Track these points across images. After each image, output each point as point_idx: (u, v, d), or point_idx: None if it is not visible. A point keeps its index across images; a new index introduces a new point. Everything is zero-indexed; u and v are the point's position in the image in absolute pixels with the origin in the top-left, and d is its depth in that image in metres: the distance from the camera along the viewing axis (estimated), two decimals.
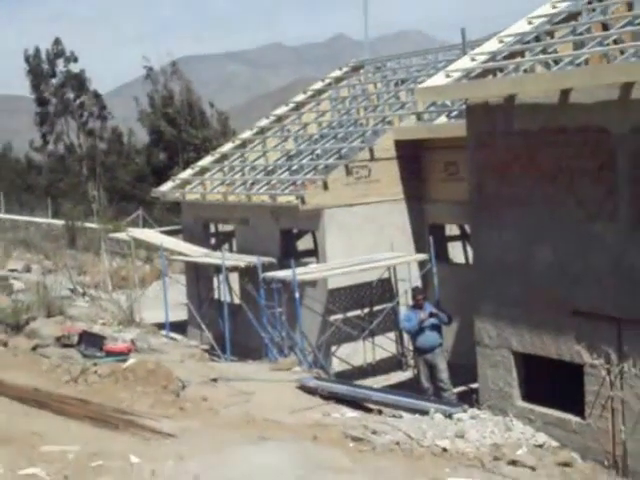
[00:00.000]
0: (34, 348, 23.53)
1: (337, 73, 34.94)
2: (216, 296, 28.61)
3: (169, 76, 56.51)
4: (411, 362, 24.74)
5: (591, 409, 18.68)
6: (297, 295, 24.52)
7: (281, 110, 33.63)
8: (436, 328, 23.12)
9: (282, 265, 25.76)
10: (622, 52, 18.85)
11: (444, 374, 22.84)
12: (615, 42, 19.59)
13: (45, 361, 22.17)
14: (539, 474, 16.94)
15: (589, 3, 21.69)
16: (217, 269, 28.21)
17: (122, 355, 23.82)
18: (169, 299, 31.17)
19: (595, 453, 18.50)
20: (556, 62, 20.02)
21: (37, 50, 62.70)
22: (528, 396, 20.14)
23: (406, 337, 24.62)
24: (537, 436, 19.21)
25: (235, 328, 26.80)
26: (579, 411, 18.99)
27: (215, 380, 22.48)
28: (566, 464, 18.09)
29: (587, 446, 18.65)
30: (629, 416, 18.02)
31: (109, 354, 23.83)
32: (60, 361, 22.35)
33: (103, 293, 36.05)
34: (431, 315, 22.95)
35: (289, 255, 27.42)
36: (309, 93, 34.09)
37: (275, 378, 23.13)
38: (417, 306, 23.45)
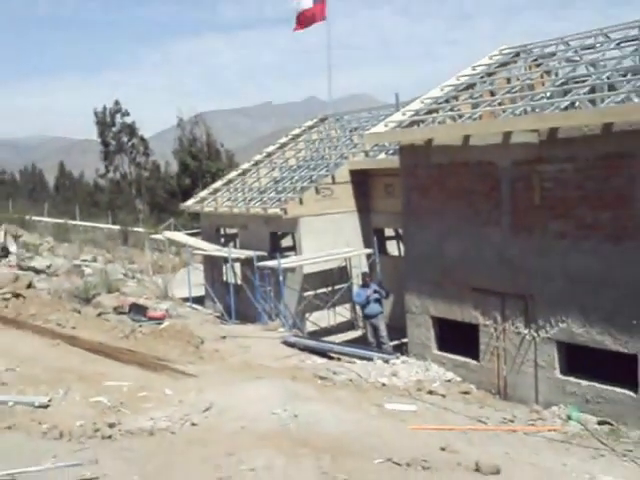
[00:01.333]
0: (99, 315, 23.65)
1: (309, 123, 35.02)
2: (224, 279, 28.80)
3: (193, 125, 57.02)
4: (361, 324, 24.97)
5: (483, 355, 18.99)
6: (281, 278, 24.76)
7: (270, 149, 33.76)
8: (378, 301, 23.24)
9: (271, 257, 25.92)
10: (504, 111, 19.22)
11: (384, 333, 23.08)
12: (499, 104, 19.93)
13: (106, 324, 22.30)
14: (447, 399, 17.31)
15: (481, 77, 22.11)
16: (225, 260, 28.36)
17: (159, 320, 24.29)
18: (192, 281, 31.43)
19: (486, 385, 18.83)
20: (460, 117, 20.32)
21: (104, 108, 63.57)
22: (441, 347, 20.42)
23: (357, 307, 24.81)
24: (447, 374, 19.57)
25: (238, 301, 27.00)
26: (475, 356, 19.31)
27: (224, 337, 22.88)
28: (466, 392, 18.43)
29: (480, 380, 18.99)
30: (508, 359, 18.33)
31: (150, 319, 24.27)
32: (117, 324, 22.59)
33: (146, 277, 36.21)
34: (374, 292, 23.33)
35: (276, 250, 27.63)
36: (290, 137, 34.18)
37: (266, 336, 23.45)
38: (365, 285, 23.61)
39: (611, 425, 15.88)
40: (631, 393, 15.99)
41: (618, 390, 16.27)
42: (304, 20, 34.72)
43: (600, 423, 16.00)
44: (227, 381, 16.19)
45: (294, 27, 35.16)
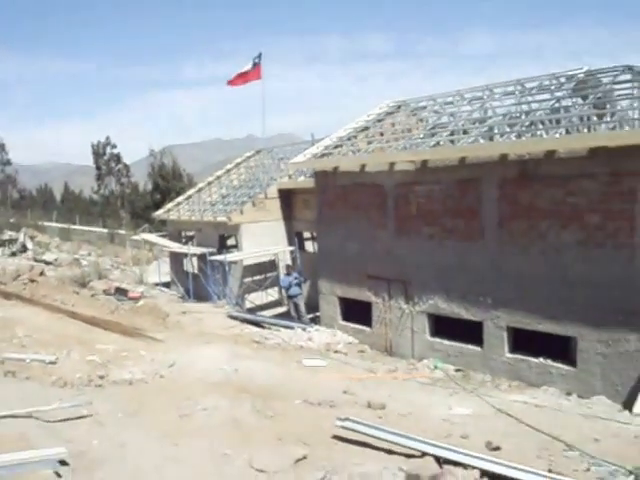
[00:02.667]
0: (92, 295, 23.40)
1: (248, 154, 34.88)
2: (185, 269, 28.75)
3: (162, 155, 57.03)
4: (285, 303, 25.11)
5: (375, 324, 19.35)
6: (227, 268, 24.83)
7: (219, 173, 33.53)
8: (298, 285, 23.54)
9: (219, 253, 25.94)
10: (389, 147, 19.46)
11: (302, 309, 23.22)
12: (386, 142, 20.15)
13: (97, 302, 22.05)
14: (349, 356, 17.51)
15: (373, 122, 22.36)
16: (185, 255, 28.34)
17: (136, 299, 24.22)
18: (161, 270, 31.37)
19: (377, 345, 19.14)
20: (358, 151, 20.54)
21: (98, 142, 63.74)
22: (345, 318, 20.66)
23: (283, 290, 24.92)
24: (349, 338, 19.87)
25: (195, 285, 26.96)
26: (369, 325, 19.61)
27: (184, 312, 22.81)
28: (362, 351, 18.71)
29: (373, 342, 19.31)
30: (393, 327, 18.68)
31: (130, 299, 24.17)
32: (105, 302, 22.41)
33: (127, 267, 35.93)
34: (295, 278, 23.51)
35: (223, 247, 27.74)
36: (234, 164, 33.92)
37: (215, 311, 23.38)
38: (288, 274, 23.89)
39: (464, 371, 16.49)
40: (478, 348, 16.64)
41: (470, 347, 16.86)
42: (242, 78, 34.84)
43: (456, 370, 16.57)
44: (186, 344, 16.24)
45: (230, 81, 35.16)
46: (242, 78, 34.91)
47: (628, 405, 12.48)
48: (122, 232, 48.19)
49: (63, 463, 7.52)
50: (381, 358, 18.22)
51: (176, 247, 29.78)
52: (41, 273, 24.57)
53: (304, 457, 8.22)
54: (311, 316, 23.18)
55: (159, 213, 33.33)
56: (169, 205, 33.48)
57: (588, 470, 8.24)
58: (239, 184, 31.18)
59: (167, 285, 30.98)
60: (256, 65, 34.73)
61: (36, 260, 31.43)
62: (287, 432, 9.31)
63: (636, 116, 15.24)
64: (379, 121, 22.55)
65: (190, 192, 33.97)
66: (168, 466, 7.99)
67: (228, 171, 33.93)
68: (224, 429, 9.44)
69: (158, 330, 18.75)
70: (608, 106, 16.28)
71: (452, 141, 17.84)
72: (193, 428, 9.45)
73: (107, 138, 66.48)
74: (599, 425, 10.63)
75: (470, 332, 16.71)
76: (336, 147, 21.44)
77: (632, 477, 7.94)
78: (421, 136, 18.96)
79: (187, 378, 12.71)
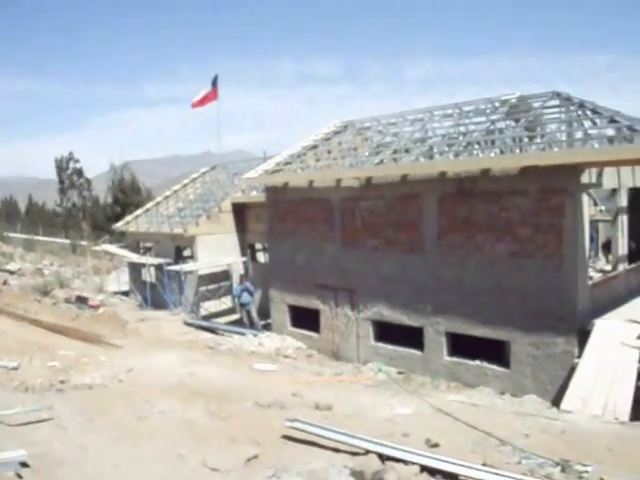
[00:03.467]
0: (54, 304, 23.09)
1: (204, 169, 34.66)
2: (143, 278, 28.48)
3: (122, 169, 56.57)
4: (238, 310, 25.06)
5: (322, 330, 19.43)
6: (183, 278, 24.74)
7: (176, 187, 33.29)
8: (250, 294, 23.62)
9: (176, 263, 25.86)
10: (336, 164, 19.57)
11: (254, 315, 23.16)
12: (333, 159, 20.28)
13: (59, 310, 21.77)
14: (297, 361, 17.59)
15: (322, 141, 22.46)
16: (144, 265, 28.12)
17: (96, 307, 23.88)
18: (120, 279, 30.97)
19: (324, 350, 19.24)
20: (307, 167, 20.65)
21: (61, 157, 62.89)
22: (294, 325, 20.66)
23: (236, 299, 24.86)
24: (297, 343, 19.85)
25: (152, 294, 26.74)
26: (317, 331, 19.67)
27: (142, 320, 22.57)
28: (310, 355, 18.77)
29: (320, 347, 19.40)
30: (339, 332, 18.80)
31: (90, 307, 23.82)
32: (66, 310, 22.10)
33: (88, 276, 35.41)
34: (246, 288, 23.53)
35: (179, 258, 27.58)
36: (190, 179, 33.70)
37: (172, 319, 23.19)
38: (242, 283, 24.02)
39: (405, 374, 16.64)
40: (419, 352, 16.84)
41: (411, 351, 17.06)
42: (203, 100, 34.94)
43: (399, 373, 16.74)
44: (144, 350, 16.09)
45: (193, 104, 35.26)
46: (203, 100, 35.01)
47: (556, 402, 12.70)
48: (83, 243, 47.50)
49: (24, 465, 7.39)
50: (328, 362, 18.30)
51: (135, 257, 29.47)
52: (4, 282, 24.14)
53: (255, 456, 8.21)
54: (263, 323, 23.10)
55: (119, 225, 32.94)
56: (128, 218, 33.13)
57: (519, 463, 8.39)
58: (195, 198, 31.02)
59: (126, 294, 30.59)
60: (213, 87, 34.86)
61: (0, 270, 30.78)
62: (239, 433, 9.27)
63: (564, 138, 15.63)
64: (327, 140, 22.67)
65: (148, 205, 33.66)
66: (126, 466, 7.91)
67: (185, 185, 33.72)
68: (179, 430, 9.37)
69: (117, 337, 18.48)
70: (538, 128, 16.66)
71: (395, 159, 17.99)
72: (150, 430, 9.35)
73: (70, 153, 65.64)
74: (530, 421, 10.81)
75: (412, 337, 16.89)
76: (287, 164, 21.47)
77: (559, 468, 8.12)
78: (366, 154, 19.12)
79: (144, 382, 12.57)
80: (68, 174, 65.55)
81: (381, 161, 18.15)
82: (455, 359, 16.18)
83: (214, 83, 35.00)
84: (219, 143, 36.11)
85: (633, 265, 17.40)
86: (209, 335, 20.84)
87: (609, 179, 15.85)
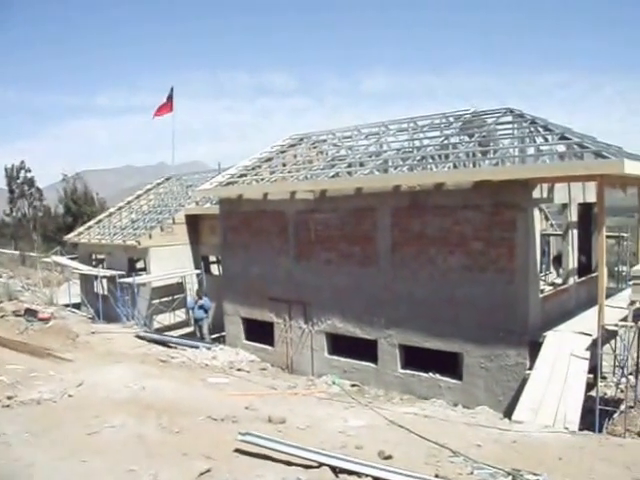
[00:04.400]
0: (1, 317, 22.70)
1: (158, 181, 34.40)
2: (95, 290, 28.09)
3: (75, 179, 55.86)
4: (192, 323, 24.86)
5: (277, 342, 19.38)
6: (136, 290, 24.51)
7: (130, 198, 32.97)
8: (205, 311, 23.42)
9: (128, 275, 25.58)
10: (291, 177, 19.52)
11: (205, 331, 23.00)
12: (288, 172, 20.20)
13: (7, 323, 21.42)
14: (251, 374, 17.48)
15: (277, 154, 22.41)
16: (95, 277, 27.77)
17: (46, 320, 23.38)
18: (72, 292, 30.49)
19: (278, 363, 19.19)
20: (261, 180, 20.57)
21: (12, 165, 61.88)
22: (248, 338, 20.56)
23: (190, 312, 24.66)
24: (251, 356, 19.74)
25: (104, 307, 26.37)
26: (271, 344, 19.59)
27: (93, 333, 22.22)
28: (264, 369, 18.70)
29: (275, 360, 19.34)
30: (293, 345, 18.76)
31: (40, 320, 23.31)
32: (15, 323, 21.73)
33: (38, 289, 34.76)
34: (201, 305, 23.37)
35: (132, 270, 27.27)
36: (144, 190, 33.37)
37: (124, 332, 22.85)
38: (198, 298, 23.81)
39: (359, 386, 16.69)
40: (373, 365, 16.91)
41: (365, 363, 17.13)
42: (162, 111, 34.86)
43: (352, 385, 16.76)
44: (95, 364, 15.82)
45: (155, 113, 35.17)
46: (162, 110, 34.94)
47: (508, 413, 12.88)
48: (33, 254, 46.59)
49: None
50: (282, 375, 18.24)
51: (86, 269, 29.06)
52: None
53: (208, 471, 8.18)
54: (216, 336, 22.94)
55: (70, 236, 32.48)
56: (80, 229, 32.71)
57: (471, 473, 8.49)
58: (148, 209, 30.75)
59: (77, 306, 30.12)
60: (169, 99, 34.80)
61: None
62: (191, 447, 9.22)
63: (516, 154, 15.89)
64: (282, 152, 22.64)
65: (101, 216, 33.27)
66: None
67: (138, 197, 33.40)
68: (131, 446, 9.28)
69: (67, 350, 18.19)
70: (492, 144, 16.89)
71: (349, 172, 18.09)
72: (100, 445, 9.25)
73: (22, 162, 64.53)
74: (482, 432, 10.93)
75: (366, 350, 16.95)
76: (241, 176, 21.38)
77: (510, 478, 8.23)
78: (321, 167, 19.13)
79: (95, 397, 12.40)
80: (19, 183, 64.42)
81: (336, 174, 18.23)
82: (408, 371, 16.26)
83: (170, 95, 34.95)
84: (174, 154, 35.84)
85: (583, 278, 17.71)
86: (162, 348, 20.57)
87: (560, 194, 16.14)
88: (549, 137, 15.80)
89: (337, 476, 8.14)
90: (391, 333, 16.41)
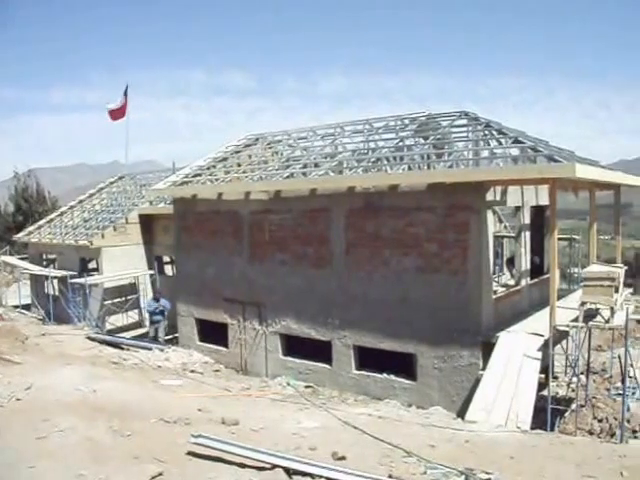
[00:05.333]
0: None
1: (111, 179, 34.02)
2: (46, 291, 27.67)
3: (26, 177, 54.76)
4: (146, 325, 24.61)
5: (231, 344, 19.29)
6: (88, 291, 24.19)
7: (82, 197, 32.62)
8: (162, 313, 23.13)
9: (80, 276, 25.25)
10: (246, 177, 19.46)
11: (162, 335, 22.83)
12: (243, 172, 20.17)
13: None
14: (204, 376, 17.33)
15: (232, 154, 22.34)
16: (46, 277, 27.37)
17: None
18: (22, 293, 29.97)
19: (232, 364, 19.13)
20: (216, 180, 20.46)
21: None
22: (202, 339, 20.46)
23: (147, 314, 24.42)
24: (205, 358, 19.63)
25: (55, 308, 25.97)
26: (225, 345, 19.51)
27: (44, 334, 21.82)
28: (217, 370, 18.59)
29: (229, 361, 19.30)
30: (248, 347, 18.72)
31: None
32: None
33: None
34: (160, 307, 23.05)
35: (84, 270, 26.91)
36: (97, 189, 32.99)
37: (75, 333, 22.49)
38: (156, 299, 23.30)
39: (313, 388, 16.71)
40: (328, 366, 16.95)
41: (319, 364, 17.17)
42: (119, 112, 34.43)
43: (307, 387, 16.76)
44: (45, 367, 15.47)
45: (110, 119, 34.77)
46: (119, 112, 34.51)
47: (461, 413, 13.02)
48: None
49: None
50: (236, 377, 18.16)
51: (37, 270, 28.58)
52: None
53: (159, 474, 8.08)
54: (170, 337, 22.72)
55: (20, 236, 31.90)
56: (31, 228, 32.17)
57: (425, 473, 8.54)
58: (101, 209, 30.41)
59: (27, 308, 29.61)
60: (124, 96, 34.40)
61: None
62: (143, 450, 9.09)
63: (470, 156, 16.07)
64: (237, 152, 22.56)
65: (52, 215, 32.75)
66: None
67: (91, 196, 32.99)
68: (80, 450, 9.10)
69: (16, 353, 17.66)
70: (446, 147, 17.05)
71: (304, 173, 18.06)
72: (49, 450, 9.04)
73: None
74: (435, 432, 11.01)
75: (321, 351, 16.97)
76: (195, 176, 21.24)
77: (463, 477, 8.31)
78: (276, 168, 19.11)
79: (44, 400, 12.11)
80: None
81: (291, 175, 18.19)
82: (363, 372, 16.34)
83: (125, 93, 34.58)
84: (127, 153, 35.46)
85: (535, 280, 17.98)
86: (114, 350, 20.27)
87: (513, 197, 16.37)
88: (503, 140, 15.99)
89: (290, 478, 8.11)
90: (345, 334, 16.46)
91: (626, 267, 16.18)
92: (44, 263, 29.95)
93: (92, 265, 28.11)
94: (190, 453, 8.94)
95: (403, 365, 15.59)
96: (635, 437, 11.71)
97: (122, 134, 34.98)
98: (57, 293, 26.96)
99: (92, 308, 25.03)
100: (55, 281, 27.27)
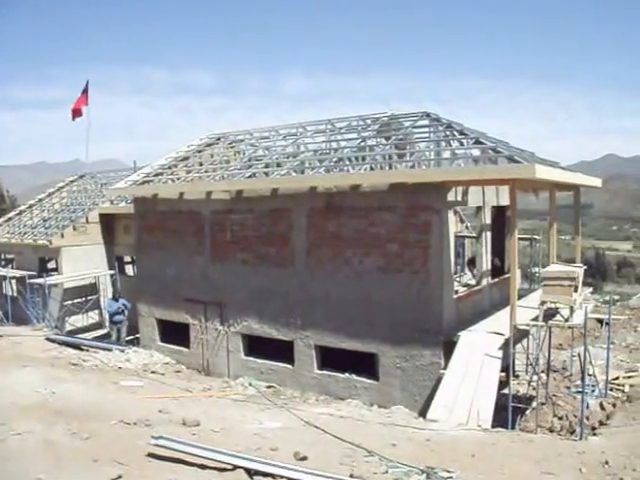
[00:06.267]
0: None
1: (71, 178, 33.56)
2: (3, 292, 27.24)
3: None
4: (107, 325, 24.37)
5: (192, 344, 19.15)
6: (47, 291, 23.89)
7: (41, 196, 32.14)
8: (123, 312, 22.95)
9: (39, 276, 24.90)
10: (208, 177, 19.31)
11: (123, 334, 22.71)
12: (205, 172, 19.99)
13: None
14: (165, 376, 17.23)
15: (193, 153, 22.25)
16: (4, 277, 26.99)
17: None
18: None
19: (194, 365, 19.01)
20: (177, 179, 20.30)
21: None
22: (163, 339, 20.28)
23: (107, 315, 24.22)
24: (166, 359, 19.47)
25: (13, 308, 25.62)
26: (187, 345, 19.38)
27: (1, 336, 21.58)
28: (179, 371, 18.48)
29: (190, 362, 19.17)
30: (209, 347, 18.59)
31: None
32: None
33: None
34: (122, 305, 22.84)
35: (43, 270, 26.56)
36: (56, 188, 32.55)
37: (34, 335, 22.19)
38: (115, 299, 23.13)
39: (275, 388, 16.67)
40: (290, 366, 16.90)
41: (281, 364, 17.12)
42: (77, 112, 33.93)
43: (269, 387, 16.73)
44: (1, 369, 15.17)
45: (73, 115, 34.20)
46: (78, 105, 33.97)
47: (423, 412, 13.10)
48: None
49: None
50: (197, 377, 18.05)
51: None
52: None
53: (119, 477, 8.01)
54: (131, 338, 22.49)
55: None
56: None
57: (386, 472, 8.58)
58: (61, 208, 30.02)
59: None
60: (84, 92, 33.90)
61: None
62: (102, 453, 8.99)
63: (432, 157, 16.16)
64: (199, 152, 22.43)
65: (11, 214, 32.22)
66: None
67: (50, 194, 32.51)
68: (38, 453, 8.98)
69: None
70: (408, 147, 17.14)
71: (266, 173, 17.97)
72: (6, 454, 8.89)
73: None
74: (397, 432, 11.06)
75: (283, 351, 16.93)
76: (157, 175, 21.06)
77: (424, 476, 8.35)
78: (238, 167, 19.02)
79: (1, 403, 11.92)
80: None
81: (253, 174, 18.12)
82: (325, 372, 16.33)
83: (85, 89, 34.07)
84: (87, 151, 34.95)
85: (496, 280, 18.14)
86: (74, 351, 19.94)
87: (474, 197, 16.50)
88: (464, 141, 16.10)
89: (252, 478, 8.11)
90: (307, 334, 16.43)
91: (586, 267, 16.41)
92: (2, 263, 29.51)
93: (52, 265, 27.76)
94: (150, 455, 8.87)
95: (365, 365, 15.62)
96: (594, 434, 11.85)
97: (83, 132, 34.48)
98: (15, 294, 26.54)
99: (51, 309, 24.68)
100: (13, 281, 26.85)
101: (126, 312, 22.79)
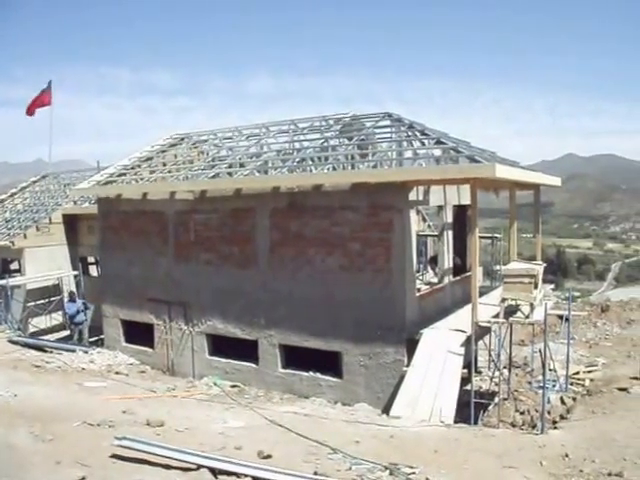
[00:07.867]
0: None
1: (34, 178, 33.21)
2: None
3: None
4: (69, 327, 24.10)
5: (157, 344, 18.97)
6: (9, 293, 23.54)
7: (3, 196, 31.49)
8: (83, 312, 22.78)
9: (1, 277, 24.53)
10: (171, 177, 19.15)
11: (86, 336, 22.52)
12: (168, 172, 19.99)
13: None
14: (130, 377, 17.10)
15: (157, 153, 22.09)
16: None
17: None
18: None
19: (159, 365, 18.82)
20: (141, 179, 20.10)
21: None
22: (127, 340, 20.04)
23: (67, 317, 23.96)
24: (130, 359, 19.27)
25: None
26: (151, 346, 19.19)
27: None
28: (143, 372, 18.33)
29: (155, 362, 18.97)
30: (174, 347, 18.44)
31: None
32: None
33: None
34: (82, 305, 22.62)
35: (5, 272, 26.19)
36: (19, 188, 32.12)
37: None
38: (72, 300, 22.95)
39: (239, 387, 16.62)
40: (254, 365, 16.86)
41: (246, 364, 17.07)
42: (34, 106, 33.41)
43: (233, 386, 16.65)
44: None
45: (28, 111, 33.66)
46: (34, 105, 33.45)
47: (387, 409, 13.15)
48: None
49: None
50: (162, 378, 17.92)
51: None
52: None
53: (83, 478, 7.94)
54: (95, 339, 22.25)
55: None
56: None
57: (350, 469, 8.61)
58: (23, 208, 29.59)
59: None
60: (46, 91, 33.42)
61: None
62: (66, 455, 8.90)
63: (394, 157, 16.22)
64: (162, 152, 22.28)
65: None
66: None
67: (12, 195, 32.04)
68: (1, 456, 8.83)
69: None
70: (370, 147, 17.20)
71: (230, 173, 17.95)
72: None
73: None
74: (360, 429, 11.10)
75: (247, 350, 16.87)
76: (120, 175, 20.84)
77: (387, 472, 8.38)
78: (201, 167, 18.93)
79: None
80: None
81: (216, 175, 18.02)
82: (289, 371, 16.31)
83: (48, 87, 33.60)
84: (50, 151, 34.55)
85: (458, 278, 18.28)
86: (37, 353, 19.69)
87: (436, 197, 16.61)
88: (426, 141, 16.18)
89: (216, 477, 8.09)
90: (271, 333, 16.40)
91: (547, 264, 16.60)
92: None
93: (14, 266, 27.36)
94: (114, 456, 8.80)
95: (329, 363, 15.63)
96: (555, 428, 12.00)
97: (46, 132, 34.04)
98: None
99: (14, 310, 24.24)
100: None
101: (87, 312, 22.56)
